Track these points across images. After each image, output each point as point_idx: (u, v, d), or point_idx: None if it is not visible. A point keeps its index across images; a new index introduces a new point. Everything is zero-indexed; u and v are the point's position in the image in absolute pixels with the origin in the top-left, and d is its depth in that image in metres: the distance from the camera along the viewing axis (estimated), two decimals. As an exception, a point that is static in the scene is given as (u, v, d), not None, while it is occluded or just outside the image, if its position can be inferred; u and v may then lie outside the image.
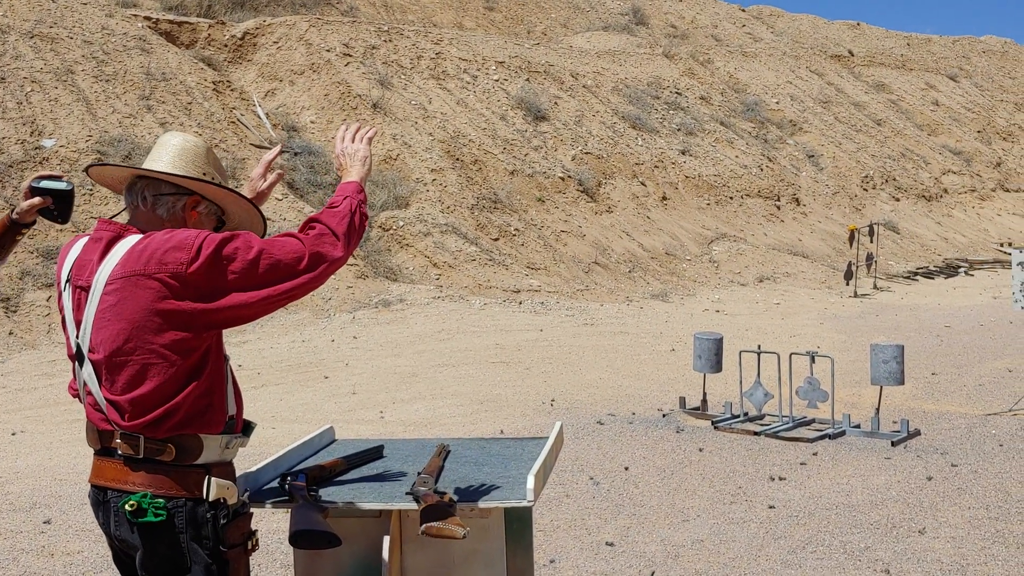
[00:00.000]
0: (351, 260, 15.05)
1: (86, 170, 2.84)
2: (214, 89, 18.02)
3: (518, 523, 3.78)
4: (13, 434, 7.84)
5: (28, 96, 15.44)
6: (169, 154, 2.63)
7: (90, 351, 2.50)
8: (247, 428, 2.69)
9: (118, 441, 2.47)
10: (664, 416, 8.53)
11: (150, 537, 2.45)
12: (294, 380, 10.32)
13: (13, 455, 7.21)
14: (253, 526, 2.64)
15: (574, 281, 17.04)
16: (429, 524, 2.72)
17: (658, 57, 27.55)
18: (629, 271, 18.41)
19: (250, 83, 19.95)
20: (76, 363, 2.56)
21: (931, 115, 31.15)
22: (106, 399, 2.49)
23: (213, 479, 2.48)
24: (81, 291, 2.52)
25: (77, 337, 2.53)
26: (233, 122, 17.50)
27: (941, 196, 27.30)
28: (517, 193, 18.79)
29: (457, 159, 18.78)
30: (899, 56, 33.88)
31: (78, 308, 2.53)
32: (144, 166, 2.66)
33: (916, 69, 33.53)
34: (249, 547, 2.54)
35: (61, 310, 2.61)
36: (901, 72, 32.86)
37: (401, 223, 16.45)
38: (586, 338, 12.65)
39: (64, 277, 2.60)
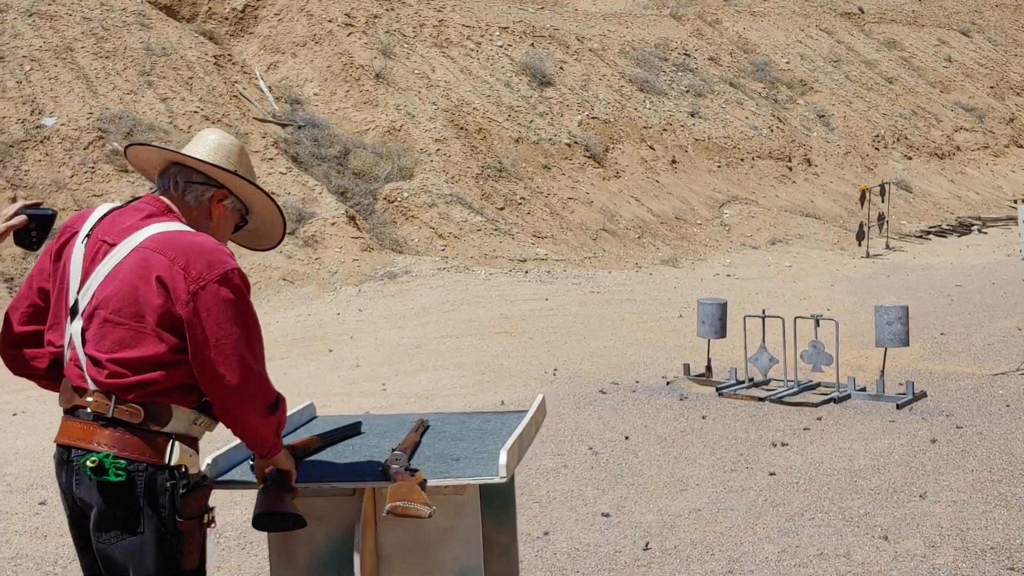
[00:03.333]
0: (356, 233, 15.00)
1: (124, 150, 2.96)
2: (215, 63, 17.91)
3: (501, 498, 3.73)
4: (14, 414, 7.83)
5: (28, 75, 15.38)
6: (206, 147, 2.73)
7: (88, 306, 2.55)
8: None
9: (89, 399, 2.52)
10: (668, 384, 8.45)
11: (108, 497, 2.49)
12: (299, 354, 10.29)
13: (13, 436, 7.20)
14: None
15: (581, 249, 16.93)
16: (394, 504, 2.67)
17: (665, 18, 27.22)
18: (638, 237, 18.28)
19: (252, 56, 19.82)
20: (65, 316, 2.61)
21: (943, 71, 30.73)
22: (88, 355, 2.54)
23: (177, 443, 2.53)
24: (104, 245, 2.58)
25: (78, 292, 2.58)
26: (235, 96, 17.40)
27: (954, 154, 26.97)
28: (522, 161, 18.64)
29: (461, 128, 18.64)
30: (910, 12, 33.38)
31: (92, 260, 2.58)
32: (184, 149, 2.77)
33: (928, 25, 33.04)
34: (204, 521, 2.57)
35: (65, 263, 2.63)
36: (913, 28, 32.39)
37: (406, 195, 16.36)
38: (592, 306, 12.57)
39: (84, 231, 2.64)
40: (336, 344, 10.61)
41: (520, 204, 17.55)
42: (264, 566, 4.39)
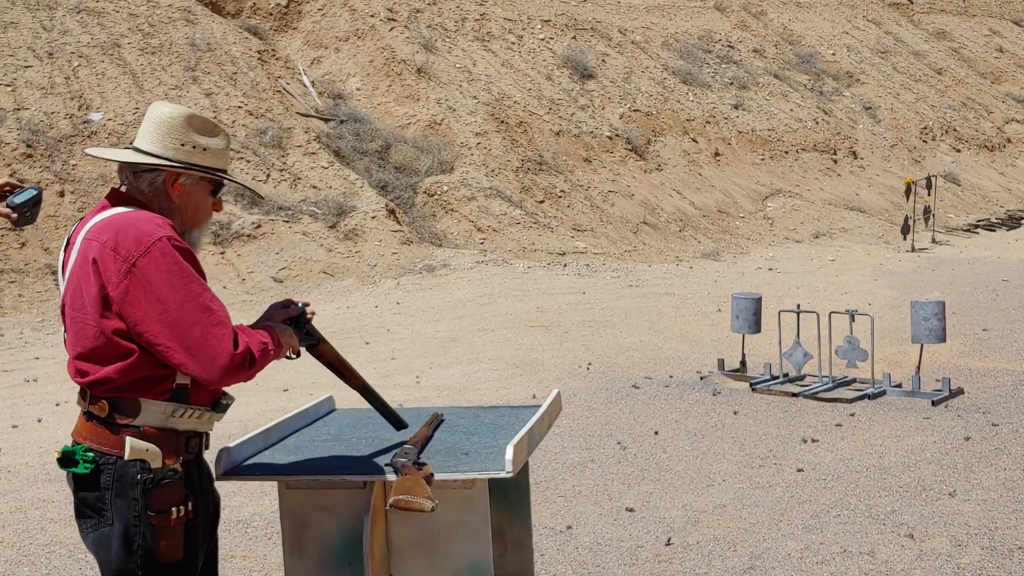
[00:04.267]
0: (396, 226, 15.09)
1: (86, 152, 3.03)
2: (259, 58, 18.10)
3: (515, 492, 3.76)
4: (57, 405, 8.01)
5: (76, 71, 15.66)
6: (149, 129, 2.68)
7: (63, 306, 2.63)
8: (217, 404, 2.71)
9: (78, 394, 2.61)
10: (702, 379, 8.42)
11: (79, 488, 2.56)
12: (336, 345, 10.37)
13: (55, 425, 7.37)
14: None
15: (621, 242, 16.89)
16: (397, 497, 2.71)
17: (709, 10, 27.01)
18: (679, 230, 18.19)
19: (295, 51, 20.00)
20: (63, 318, 2.68)
21: (994, 62, 30.17)
22: (71, 355, 2.61)
23: (129, 438, 2.50)
24: (71, 245, 2.65)
25: (63, 293, 2.66)
26: (278, 91, 17.58)
27: (1004, 146, 26.48)
28: (563, 154, 18.63)
29: (502, 121, 18.66)
30: (960, 2, 32.79)
31: (66, 262, 2.65)
32: (136, 141, 2.73)
33: (979, 15, 32.44)
34: (175, 515, 2.53)
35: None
36: (963, 18, 31.82)
37: (446, 188, 16.42)
38: (630, 300, 12.54)
39: (68, 238, 2.73)
40: (373, 336, 10.70)
41: (560, 197, 17.54)
42: (288, 556, 4.46)
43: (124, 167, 2.68)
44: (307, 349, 3.05)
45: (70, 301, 2.57)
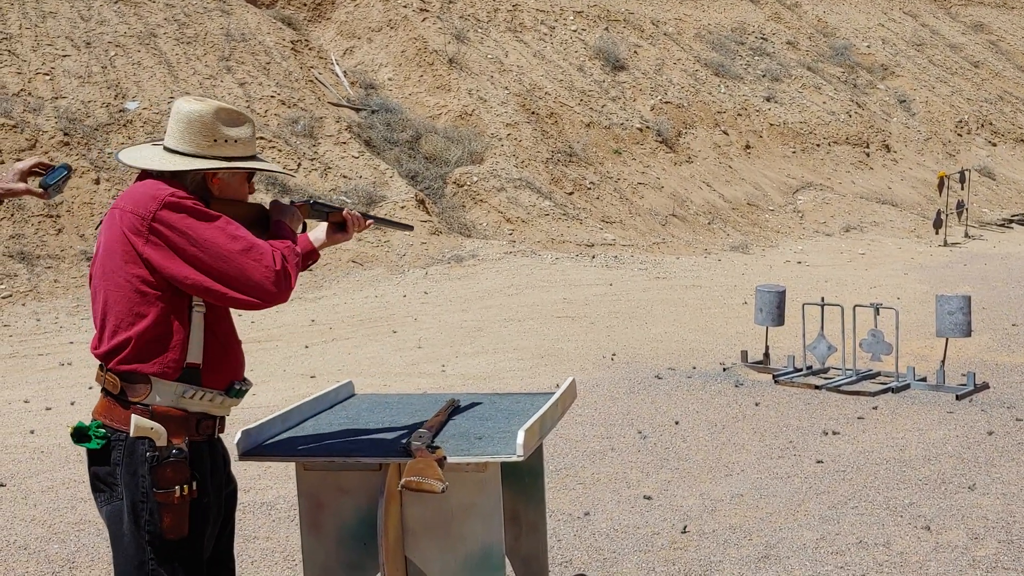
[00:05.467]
0: (425, 216, 15.19)
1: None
2: (292, 48, 18.24)
3: (530, 476, 3.82)
4: (90, 388, 8.17)
5: (112, 60, 15.87)
6: (179, 128, 2.72)
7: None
8: (231, 388, 2.74)
9: (98, 370, 2.68)
10: (725, 370, 8.44)
11: (92, 462, 2.64)
12: (364, 334, 10.50)
13: (87, 408, 7.52)
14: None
15: (650, 234, 16.89)
16: (409, 479, 2.77)
17: (743, 1, 26.85)
18: (708, 223, 18.16)
19: (329, 41, 20.13)
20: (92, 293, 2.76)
21: (1034, 55, 29.78)
22: (96, 329, 2.70)
23: (134, 416, 2.56)
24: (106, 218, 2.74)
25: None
26: (311, 81, 17.71)
27: (1042, 140, 26.16)
28: (593, 145, 18.63)
29: (533, 112, 18.69)
30: (1000, -7, 32.39)
31: (99, 244, 2.73)
32: (166, 140, 2.76)
33: (1018, 7, 32.00)
34: (179, 494, 2.57)
35: None
36: (1002, 11, 31.41)
37: (475, 179, 16.49)
38: (656, 292, 12.56)
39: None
40: (400, 325, 10.79)
41: (589, 189, 17.56)
42: (309, 538, 4.55)
43: (161, 172, 2.71)
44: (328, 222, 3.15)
45: (97, 273, 2.65)
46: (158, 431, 2.58)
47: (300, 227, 3.01)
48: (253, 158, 2.80)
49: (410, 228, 3.77)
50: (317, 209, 3.12)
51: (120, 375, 2.60)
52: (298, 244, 2.79)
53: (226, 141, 2.71)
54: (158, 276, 2.58)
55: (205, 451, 2.71)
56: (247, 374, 2.90)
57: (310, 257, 3.08)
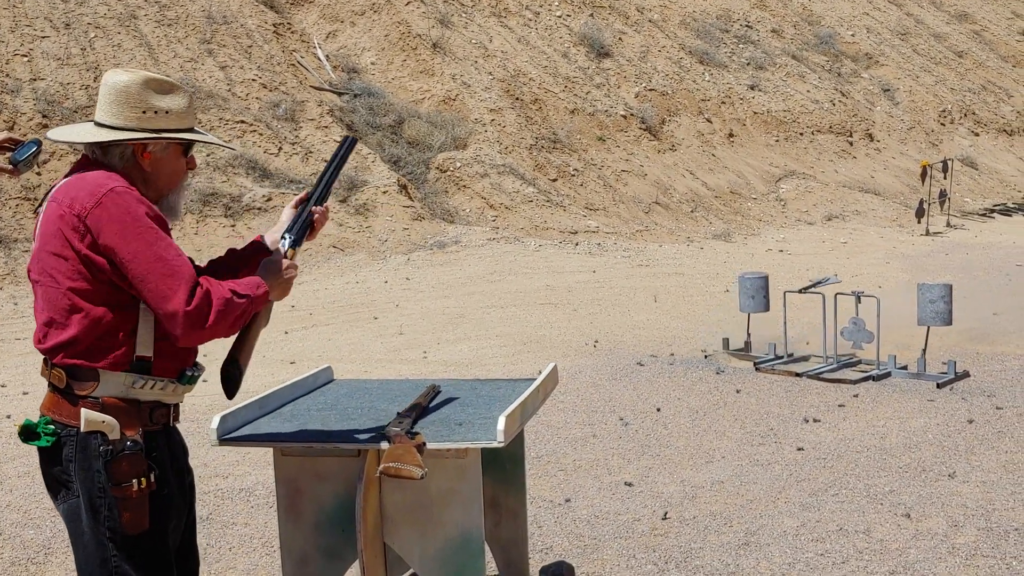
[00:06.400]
0: (408, 202, 15.11)
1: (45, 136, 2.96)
2: (274, 32, 18.09)
3: (511, 463, 3.80)
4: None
5: (92, 42, 15.70)
6: (107, 100, 2.60)
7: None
8: (183, 375, 2.64)
9: (42, 363, 2.58)
10: (706, 357, 8.44)
11: (44, 460, 2.56)
12: (344, 320, 10.44)
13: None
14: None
15: (633, 222, 16.88)
16: (387, 465, 2.74)
17: (728, -10, 26.80)
18: (691, 211, 18.16)
19: (311, 25, 19.98)
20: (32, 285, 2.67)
21: (1017, 45, 29.87)
22: (37, 323, 2.60)
23: (84, 410, 2.47)
24: (39, 216, 2.64)
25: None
26: (293, 64, 17.58)
27: (1024, 130, 26.27)
28: (577, 132, 18.59)
29: (517, 98, 18.63)
30: (984, -17, 32.46)
31: (35, 232, 2.64)
32: (96, 115, 2.65)
33: (1002, -3, 32.11)
34: (136, 488, 2.48)
35: None
36: (986, 1, 31.50)
37: (458, 164, 16.42)
38: (639, 279, 12.55)
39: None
40: (382, 312, 10.75)
41: (573, 176, 17.52)
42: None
43: (91, 145, 2.61)
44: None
45: (35, 266, 2.54)
46: (110, 424, 2.48)
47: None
48: (190, 131, 2.65)
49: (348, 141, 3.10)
50: (297, 238, 2.88)
51: (66, 369, 2.49)
52: (255, 289, 2.61)
53: (156, 112, 2.57)
54: (98, 272, 2.47)
55: (162, 441, 2.61)
56: (203, 359, 2.79)
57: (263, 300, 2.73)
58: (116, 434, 2.49)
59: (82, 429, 2.47)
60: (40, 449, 2.54)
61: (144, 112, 2.57)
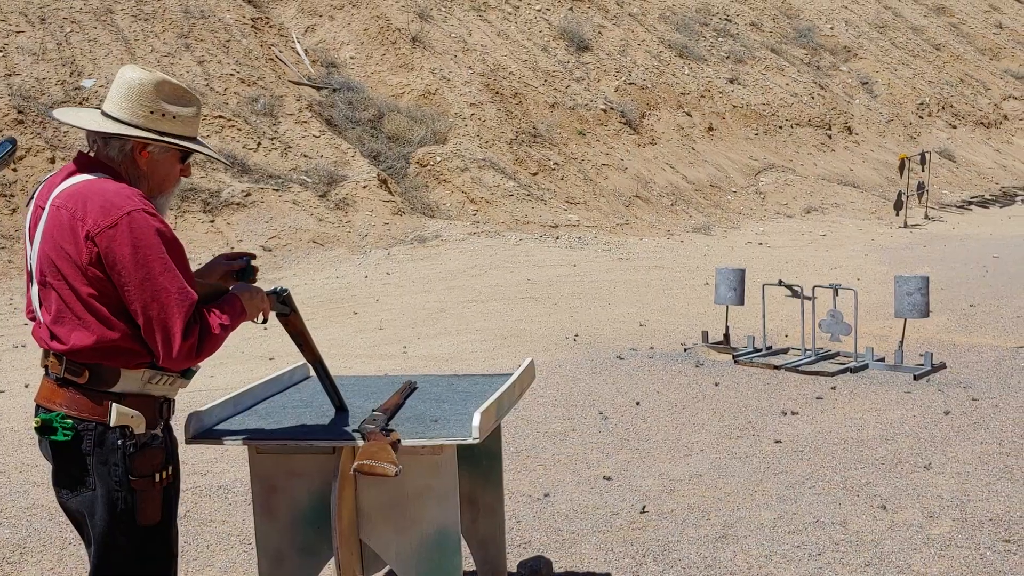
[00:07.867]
0: (388, 196, 15.08)
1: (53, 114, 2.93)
2: (252, 26, 18.00)
3: (487, 459, 3.80)
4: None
5: (68, 37, 15.57)
6: (118, 94, 2.65)
7: (36, 272, 2.61)
8: (187, 370, 2.69)
9: (50, 359, 2.58)
10: (686, 351, 8.47)
11: (59, 455, 2.57)
12: (324, 315, 10.42)
13: (33, 391, 7.40)
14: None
15: (614, 215, 16.90)
16: (361, 462, 2.74)
17: (707, -17, 26.86)
18: (671, 204, 18.20)
19: (290, 19, 19.89)
20: (29, 282, 2.67)
21: (993, 38, 30.06)
22: (43, 319, 2.60)
23: (115, 405, 2.53)
24: (39, 209, 2.63)
25: (30, 256, 2.64)
26: (271, 59, 17.50)
27: (1001, 123, 26.45)
28: (557, 127, 18.59)
29: (497, 93, 18.61)
30: (961, -23, 32.64)
31: (34, 226, 2.63)
32: (104, 105, 2.70)
33: (979, -10, 32.31)
34: (158, 480, 2.59)
35: (27, 232, 2.71)
36: (963, -7, 31.70)
37: (439, 159, 16.40)
38: (619, 273, 12.57)
39: (31, 199, 2.71)
40: (362, 307, 10.72)
41: (553, 170, 17.53)
42: (265, 521, 4.50)
43: (93, 132, 2.65)
44: (277, 316, 3.09)
45: (46, 269, 2.55)
46: (138, 419, 2.56)
47: (261, 318, 2.91)
48: (193, 140, 2.70)
49: (344, 410, 3.31)
50: (284, 302, 3.02)
51: (88, 367, 2.53)
52: (237, 317, 2.70)
53: (163, 115, 2.63)
54: (106, 282, 2.51)
55: (167, 435, 2.71)
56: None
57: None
58: (142, 428, 2.57)
59: (112, 423, 2.53)
60: (55, 443, 2.56)
61: (152, 112, 2.62)
